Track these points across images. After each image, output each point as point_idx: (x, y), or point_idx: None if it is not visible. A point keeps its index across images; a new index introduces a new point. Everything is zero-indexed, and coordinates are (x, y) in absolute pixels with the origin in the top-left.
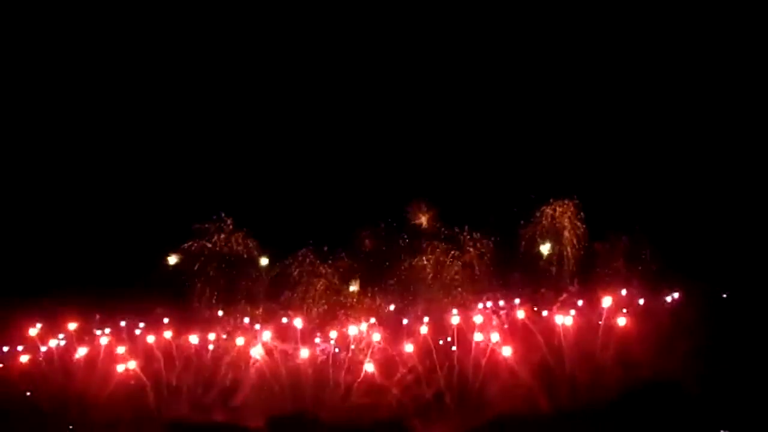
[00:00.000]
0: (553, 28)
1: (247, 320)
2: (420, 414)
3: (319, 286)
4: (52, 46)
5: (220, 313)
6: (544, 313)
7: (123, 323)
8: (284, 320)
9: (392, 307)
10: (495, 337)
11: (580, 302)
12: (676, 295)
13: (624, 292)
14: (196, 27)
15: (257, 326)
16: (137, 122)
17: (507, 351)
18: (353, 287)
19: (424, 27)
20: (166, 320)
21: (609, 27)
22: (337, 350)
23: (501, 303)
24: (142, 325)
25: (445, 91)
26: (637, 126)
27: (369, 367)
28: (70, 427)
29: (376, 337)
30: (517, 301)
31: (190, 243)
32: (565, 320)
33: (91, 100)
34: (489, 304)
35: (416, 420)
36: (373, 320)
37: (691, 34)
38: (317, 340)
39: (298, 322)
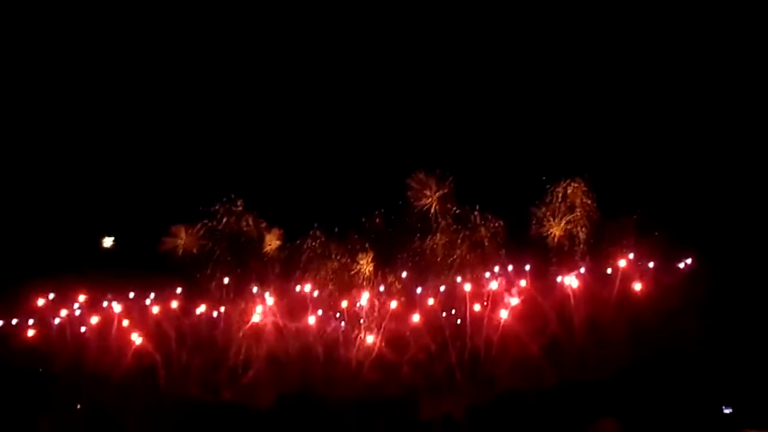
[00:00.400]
0: (565, 8)
1: (255, 290)
2: (429, 390)
3: (329, 265)
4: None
5: (226, 280)
6: (558, 278)
7: (132, 295)
8: (297, 288)
9: (404, 275)
10: (504, 312)
11: (591, 277)
12: (688, 260)
13: (632, 255)
14: (204, 11)
15: (266, 294)
16: (149, 104)
17: (514, 322)
18: (363, 265)
19: (434, 3)
20: (175, 302)
21: (620, 8)
22: (343, 324)
23: (511, 278)
24: (152, 295)
25: (453, 73)
26: (648, 108)
27: (369, 339)
28: (78, 406)
29: (393, 305)
30: (527, 267)
31: (200, 224)
32: (572, 282)
33: (103, 83)
34: (499, 278)
35: (426, 396)
36: (382, 288)
37: (699, 21)
38: (320, 312)
39: (307, 287)
